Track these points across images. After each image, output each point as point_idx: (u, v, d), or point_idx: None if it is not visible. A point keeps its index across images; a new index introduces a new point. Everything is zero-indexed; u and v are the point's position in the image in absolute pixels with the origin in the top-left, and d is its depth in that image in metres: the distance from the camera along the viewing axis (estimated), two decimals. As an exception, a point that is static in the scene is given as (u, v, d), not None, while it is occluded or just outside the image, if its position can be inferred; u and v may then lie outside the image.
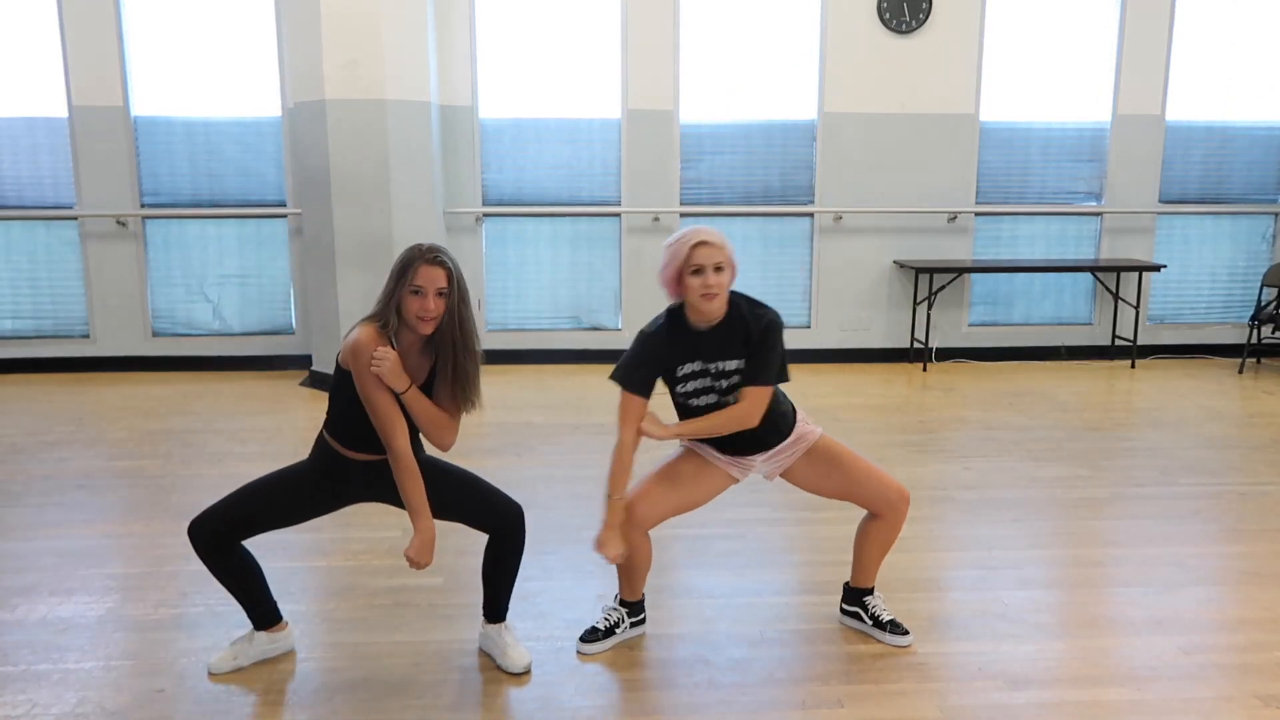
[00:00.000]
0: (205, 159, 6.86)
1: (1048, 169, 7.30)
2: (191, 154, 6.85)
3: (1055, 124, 7.23)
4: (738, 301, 2.80)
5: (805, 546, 3.80)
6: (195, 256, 6.99)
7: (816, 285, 7.27)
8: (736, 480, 3.03)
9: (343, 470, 2.81)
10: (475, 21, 6.82)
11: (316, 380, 6.52)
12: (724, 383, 2.81)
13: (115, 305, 6.95)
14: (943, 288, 7.06)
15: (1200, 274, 7.58)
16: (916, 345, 7.28)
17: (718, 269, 2.69)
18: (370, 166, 6.10)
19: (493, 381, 6.60)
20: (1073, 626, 3.15)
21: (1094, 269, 7.21)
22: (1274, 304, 7.01)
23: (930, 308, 7.08)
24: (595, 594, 3.32)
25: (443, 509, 2.82)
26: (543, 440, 5.24)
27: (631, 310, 7.17)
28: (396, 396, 2.66)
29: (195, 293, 7.05)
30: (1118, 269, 7.21)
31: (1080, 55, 7.15)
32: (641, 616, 3.08)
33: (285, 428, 5.50)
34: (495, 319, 7.23)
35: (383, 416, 2.66)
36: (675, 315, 2.83)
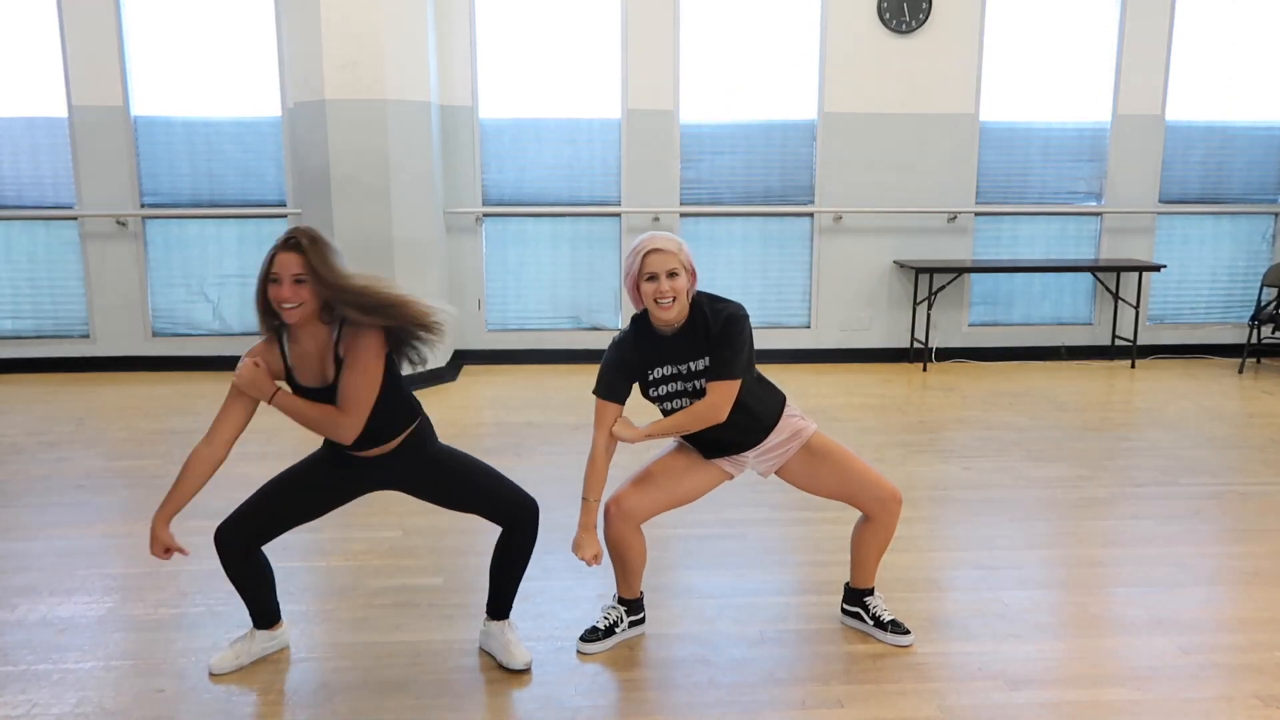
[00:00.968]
0: (205, 159, 6.86)
1: (1048, 169, 7.30)
2: (191, 154, 6.85)
3: (1055, 124, 7.23)
4: (699, 302, 2.81)
5: (805, 546, 3.80)
6: (195, 256, 6.99)
7: (816, 285, 7.27)
8: (731, 475, 3.02)
9: (351, 464, 2.81)
10: (475, 21, 6.82)
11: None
12: (697, 383, 2.81)
13: (115, 305, 6.95)
14: (943, 288, 7.06)
15: (1200, 274, 7.58)
16: (916, 345, 7.28)
17: (671, 275, 2.70)
18: (370, 166, 6.10)
19: (493, 381, 6.64)
20: (1073, 626, 3.15)
21: (1094, 269, 7.21)
22: (1274, 304, 7.00)
23: (930, 308, 7.08)
24: (595, 594, 3.32)
25: (460, 499, 2.84)
26: (543, 440, 5.24)
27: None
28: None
29: (195, 293, 7.05)
30: (1118, 269, 7.20)
31: (1080, 55, 7.15)
32: (641, 615, 3.09)
33: (285, 428, 5.46)
34: (495, 319, 7.23)
35: (217, 419, 2.71)
36: (641, 321, 2.87)
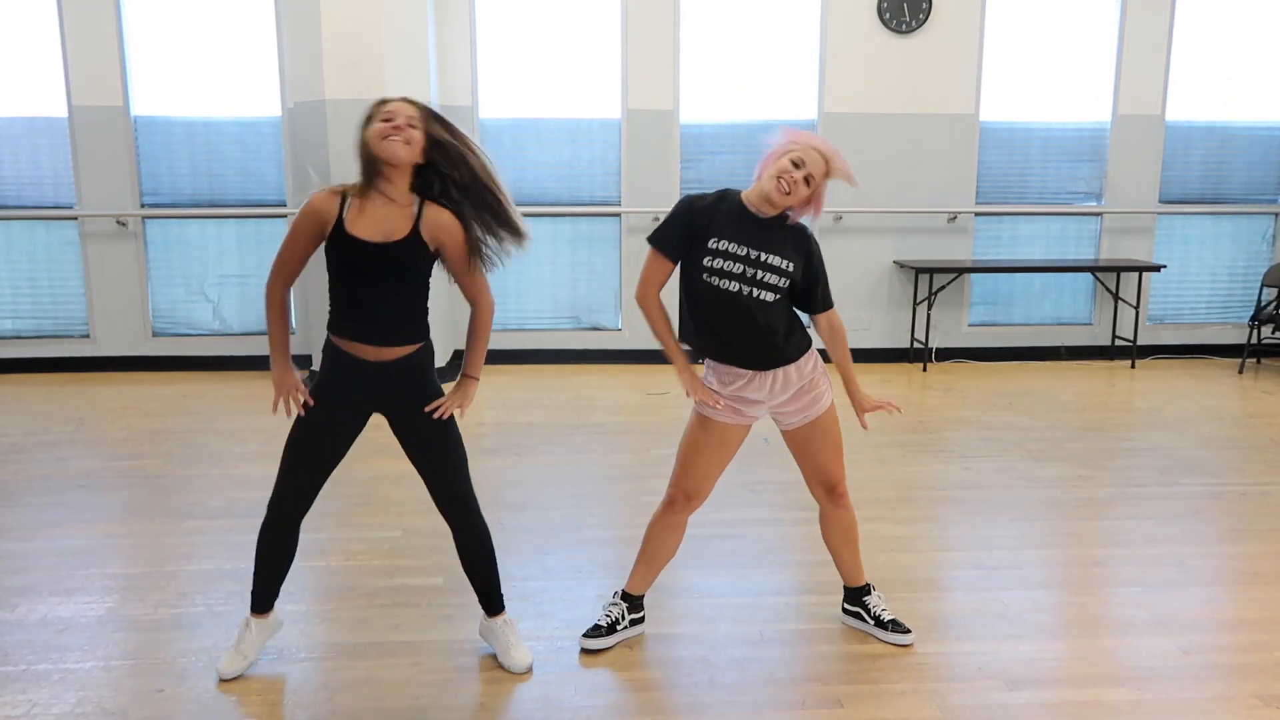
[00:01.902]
0: (205, 159, 6.85)
1: (1048, 169, 7.30)
2: (191, 154, 6.85)
3: (1055, 124, 7.23)
4: (799, 221, 2.81)
5: (805, 546, 3.80)
6: (195, 256, 6.99)
7: (816, 285, 7.26)
8: (747, 425, 2.94)
9: (348, 371, 2.71)
10: (475, 21, 6.82)
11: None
12: (757, 273, 2.73)
13: (115, 305, 6.94)
14: (943, 288, 7.06)
15: (1200, 274, 7.58)
16: (916, 345, 7.28)
17: (808, 179, 2.71)
18: (370, 166, 6.08)
19: (493, 382, 6.64)
20: (1073, 626, 3.15)
21: (1094, 269, 7.21)
22: (1274, 304, 7.00)
23: (930, 308, 7.08)
24: (595, 594, 3.32)
25: (431, 456, 2.80)
26: (543, 440, 5.24)
27: (631, 310, 7.17)
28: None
29: (195, 293, 7.05)
30: (1118, 269, 7.20)
31: (1080, 55, 7.15)
32: (641, 615, 3.08)
33: (285, 428, 5.47)
34: (495, 319, 7.20)
35: (282, 248, 2.70)
36: (730, 194, 2.82)
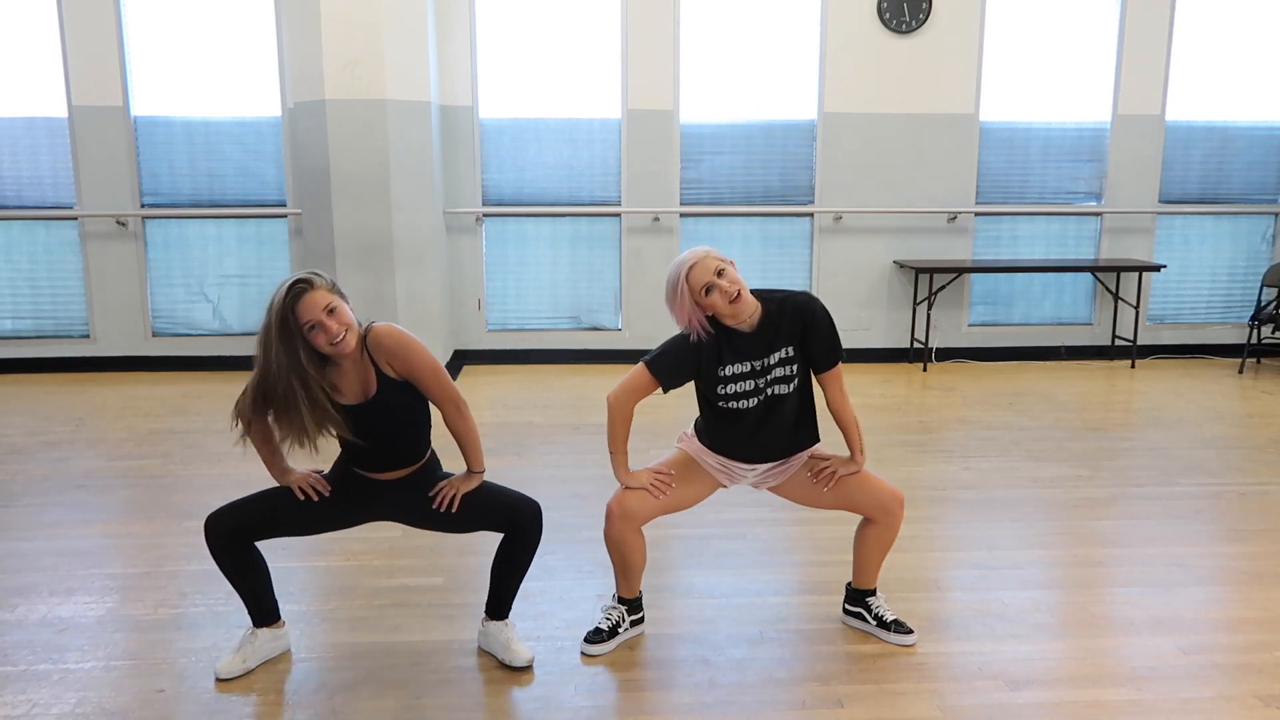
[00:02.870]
0: (205, 159, 6.86)
1: (1048, 169, 7.30)
2: (191, 154, 6.85)
3: (1055, 124, 7.23)
4: (765, 297, 2.83)
5: (805, 546, 3.80)
6: (195, 256, 6.99)
7: (816, 285, 7.27)
8: (725, 486, 3.04)
9: (362, 488, 2.83)
10: (475, 21, 6.82)
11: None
12: (768, 377, 2.82)
13: (115, 305, 6.95)
14: (943, 288, 7.06)
15: (1200, 274, 7.58)
16: (916, 345, 7.28)
17: (719, 273, 2.72)
18: (370, 166, 6.09)
19: (493, 381, 6.64)
20: (1073, 626, 3.15)
21: (1094, 269, 7.21)
22: (1274, 304, 7.00)
23: (930, 308, 7.08)
24: (595, 594, 3.32)
25: (465, 524, 2.85)
26: (543, 440, 5.24)
27: (631, 310, 7.17)
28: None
29: (195, 293, 7.05)
30: (1118, 269, 7.20)
31: (1080, 55, 7.15)
32: (640, 615, 3.08)
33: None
34: (495, 319, 7.24)
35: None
36: (717, 324, 2.82)
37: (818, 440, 2.99)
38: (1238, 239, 7.56)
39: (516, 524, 2.83)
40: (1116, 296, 7.34)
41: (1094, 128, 7.26)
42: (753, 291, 2.80)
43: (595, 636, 2.98)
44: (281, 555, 3.65)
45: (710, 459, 2.97)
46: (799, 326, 2.81)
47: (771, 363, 2.81)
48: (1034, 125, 7.23)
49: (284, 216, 6.91)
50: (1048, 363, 7.37)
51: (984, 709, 2.66)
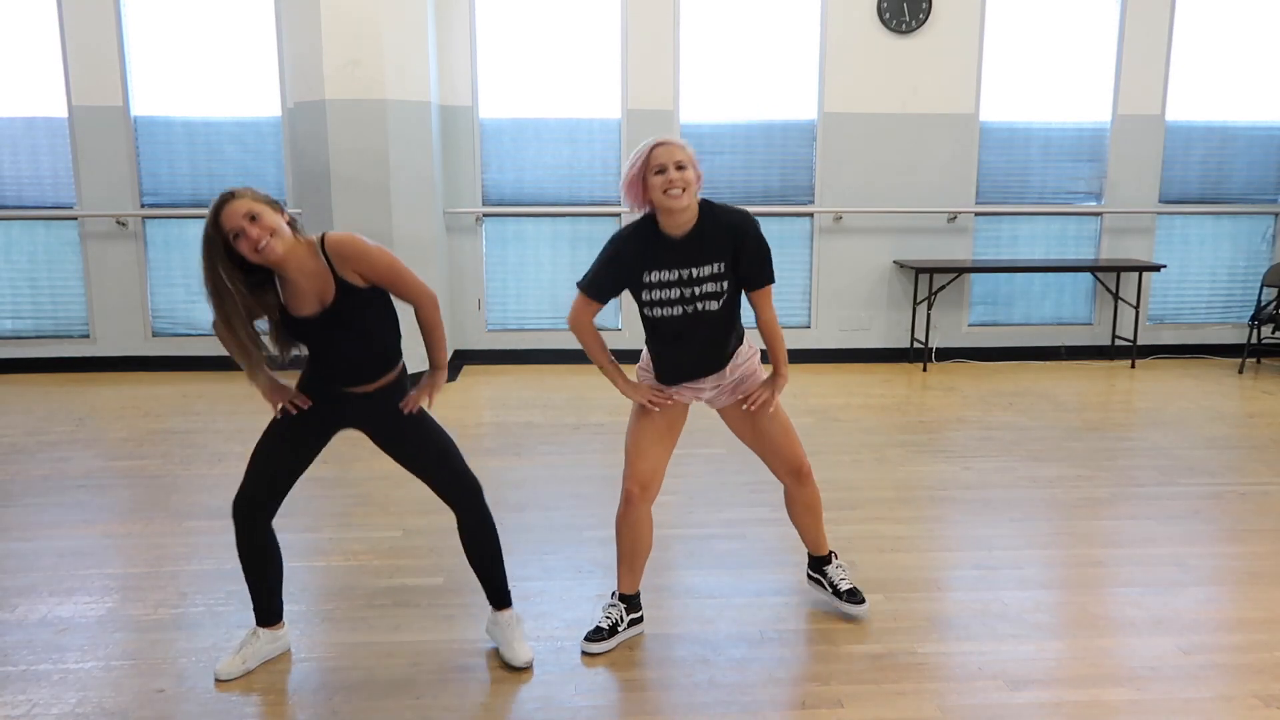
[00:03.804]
0: (205, 159, 6.86)
1: (1048, 169, 7.30)
2: (191, 154, 6.85)
3: (1055, 124, 7.23)
4: (706, 208, 2.80)
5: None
6: (195, 256, 6.95)
7: (816, 285, 7.27)
8: (688, 404, 3.04)
9: (332, 400, 2.80)
10: (475, 21, 6.82)
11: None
12: (695, 289, 2.79)
13: (115, 305, 6.95)
14: (943, 288, 7.06)
15: (1200, 274, 7.58)
16: (916, 345, 7.28)
17: (679, 166, 2.70)
18: (370, 166, 6.09)
19: (493, 381, 6.64)
20: (1073, 626, 3.15)
21: (1094, 269, 7.20)
22: (1274, 304, 7.00)
23: (930, 308, 7.08)
24: (595, 594, 3.32)
25: (417, 456, 2.84)
26: (543, 440, 5.24)
27: (631, 310, 7.16)
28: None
29: (195, 293, 7.04)
30: (1118, 269, 7.20)
31: (1080, 55, 7.15)
32: (639, 615, 3.07)
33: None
34: (495, 319, 7.23)
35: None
36: (648, 222, 2.83)
37: (744, 339, 2.98)
38: (1238, 239, 7.56)
39: (457, 499, 2.84)
40: (1116, 296, 7.34)
41: (1094, 128, 7.26)
42: (703, 202, 2.81)
43: (595, 635, 2.97)
44: (282, 555, 3.65)
45: (668, 399, 2.97)
46: (730, 244, 2.77)
47: (700, 275, 2.77)
48: (1034, 125, 7.22)
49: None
50: (1048, 363, 7.37)
51: (984, 709, 2.66)
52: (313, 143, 6.17)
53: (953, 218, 7.26)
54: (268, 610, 2.89)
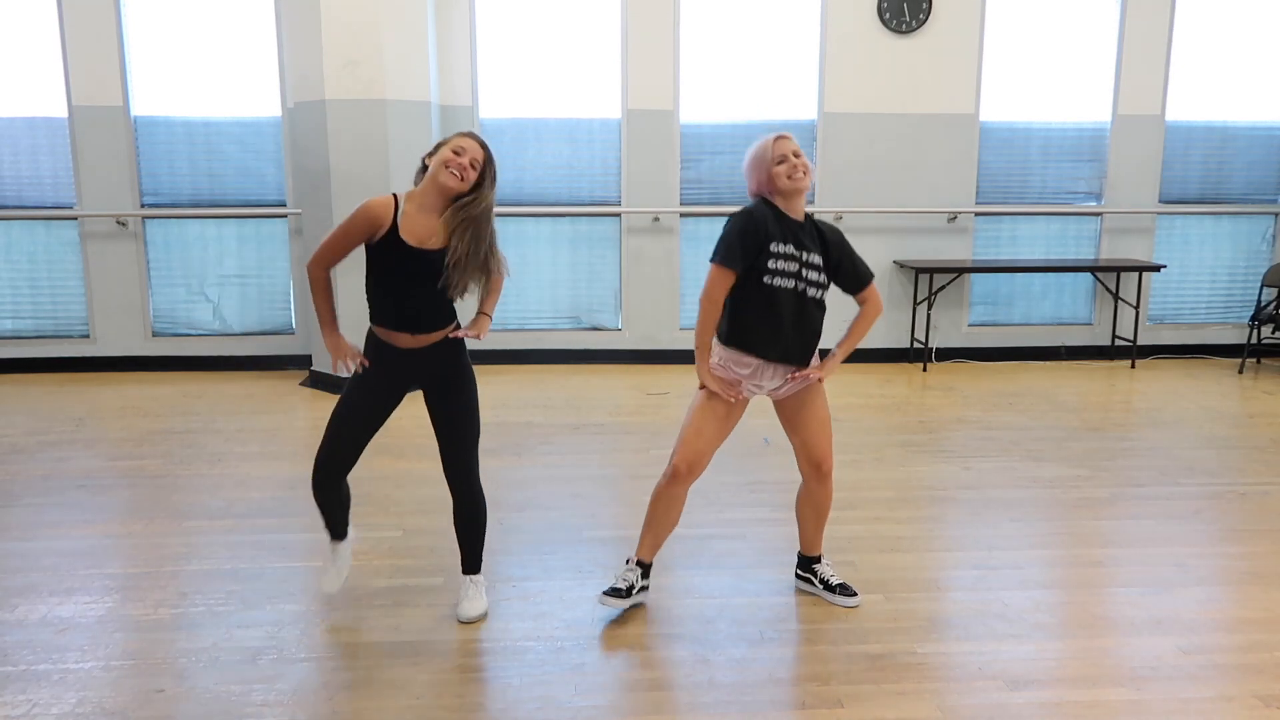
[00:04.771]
0: (205, 159, 6.86)
1: (1048, 169, 7.30)
2: (191, 154, 6.85)
3: (1055, 124, 7.23)
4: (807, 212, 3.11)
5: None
6: (195, 256, 6.99)
7: (816, 285, 7.26)
8: (746, 400, 3.19)
9: (388, 357, 3.04)
10: (475, 21, 6.82)
11: (317, 380, 6.52)
12: (806, 272, 3.03)
13: (115, 305, 6.95)
14: (943, 288, 7.06)
15: (1200, 274, 7.58)
16: (916, 345, 7.28)
17: (797, 155, 3.01)
18: (370, 166, 6.09)
19: (493, 381, 6.64)
20: (1073, 626, 3.15)
21: (1094, 269, 7.21)
22: (1274, 304, 7.01)
23: (930, 308, 7.08)
24: (595, 594, 3.32)
25: (453, 426, 3.12)
26: (543, 440, 5.24)
27: (631, 310, 7.17)
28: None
29: (195, 293, 7.05)
30: (1118, 269, 7.21)
31: (1080, 55, 7.15)
32: (647, 583, 3.26)
33: (285, 428, 5.51)
34: (495, 319, 7.17)
35: (332, 238, 3.02)
36: (767, 203, 3.06)
37: (811, 357, 3.17)
38: (1238, 239, 7.56)
39: (460, 491, 3.13)
40: (1116, 296, 7.34)
41: (1094, 128, 7.26)
42: None
43: (614, 594, 3.17)
44: (282, 555, 3.66)
45: (739, 369, 3.08)
46: (828, 247, 3.06)
47: (810, 260, 3.02)
48: (1034, 125, 7.23)
49: (284, 216, 6.91)
50: (1048, 363, 7.37)
51: (984, 709, 2.66)
52: (313, 143, 6.17)
53: (953, 218, 7.26)
54: (340, 528, 3.25)
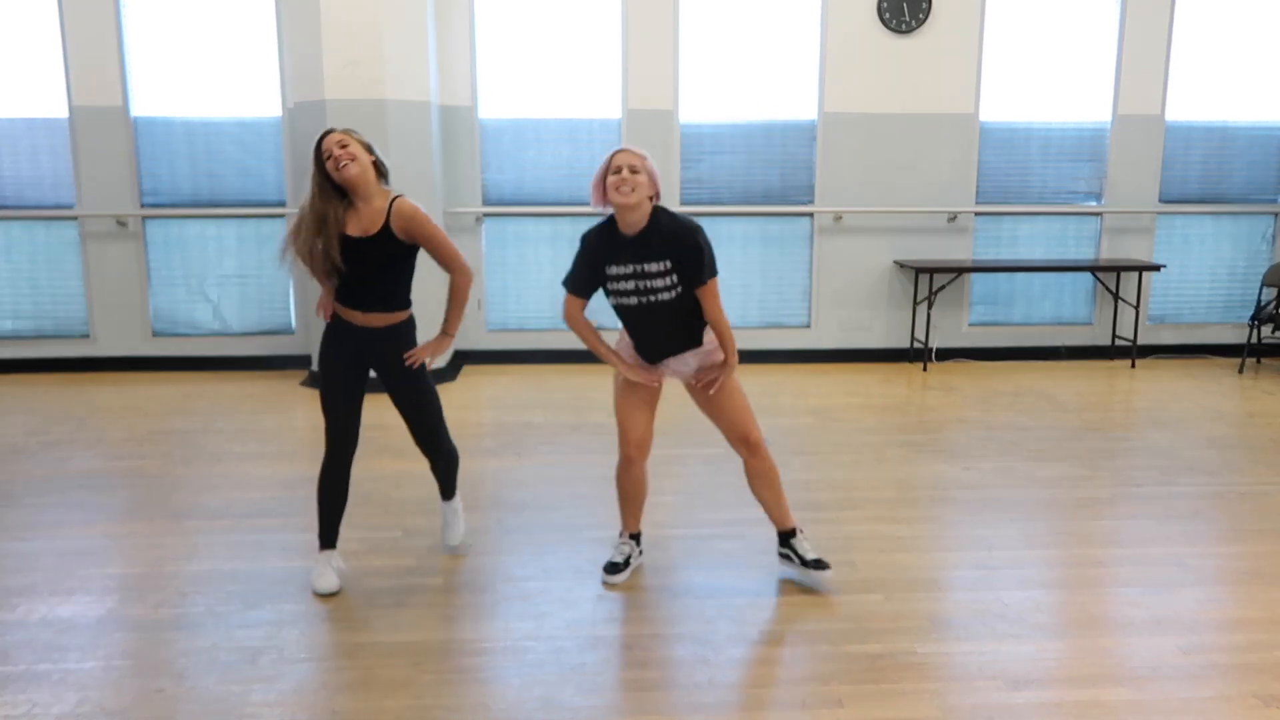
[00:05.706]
0: (205, 159, 6.86)
1: (1048, 169, 7.30)
2: (191, 154, 6.85)
3: (1055, 124, 7.23)
4: (659, 212, 3.16)
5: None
6: (195, 256, 6.99)
7: (816, 285, 7.27)
8: (661, 376, 3.37)
9: (349, 334, 3.29)
10: (475, 21, 6.82)
11: (316, 380, 6.51)
12: (648, 283, 3.14)
13: (115, 305, 6.95)
14: (943, 288, 7.06)
15: (1200, 274, 7.58)
16: (916, 345, 7.28)
17: (633, 170, 3.08)
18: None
19: (493, 381, 6.64)
20: (1073, 626, 3.15)
21: (1094, 269, 7.21)
22: (1274, 304, 7.01)
23: (930, 308, 7.08)
24: (595, 594, 3.32)
25: (406, 415, 3.40)
26: (543, 440, 5.24)
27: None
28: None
29: (195, 293, 7.05)
30: (1118, 269, 7.21)
31: (1080, 55, 7.15)
32: (640, 550, 3.52)
33: (285, 428, 5.51)
34: (495, 319, 7.23)
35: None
36: (609, 223, 3.21)
37: (699, 343, 3.28)
38: (1238, 239, 7.56)
39: (433, 447, 3.46)
40: (1116, 296, 7.34)
41: (1094, 128, 7.26)
42: (658, 208, 3.15)
43: (613, 569, 3.40)
44: (281, 555, 3.66)
45: (658, 379, 3.33)
46: (671, 249, 3.11)
47: (650, 270, 3.12)
48: (1034, 125, 7.23)
49: (284, 216, 6.91)
50: (1048, 363, 7.37)
51: (984, 709, 2.66)
52: (313, 143, 6.15)
53: (953, 218, 7.26)
54: (331, 536, 3.39)
